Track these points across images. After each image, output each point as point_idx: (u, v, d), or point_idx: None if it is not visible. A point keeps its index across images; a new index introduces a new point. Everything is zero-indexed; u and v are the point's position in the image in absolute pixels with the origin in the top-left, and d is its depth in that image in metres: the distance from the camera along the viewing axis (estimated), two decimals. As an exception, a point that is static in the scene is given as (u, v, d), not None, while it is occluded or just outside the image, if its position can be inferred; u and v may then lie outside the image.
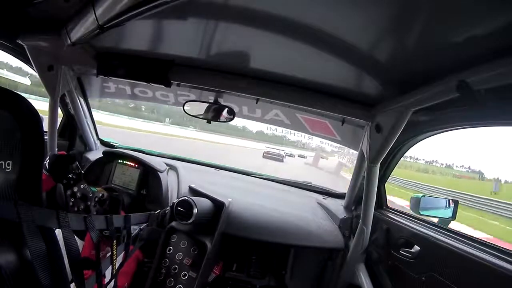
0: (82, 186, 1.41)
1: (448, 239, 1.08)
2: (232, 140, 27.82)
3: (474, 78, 0.74)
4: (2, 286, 0.54)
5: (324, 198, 1.87)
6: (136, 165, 1.68)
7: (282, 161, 18.79)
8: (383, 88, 1.14)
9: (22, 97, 0.62)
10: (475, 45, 0.70)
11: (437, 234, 1.14)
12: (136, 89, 1.89)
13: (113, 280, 1.07)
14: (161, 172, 1.67)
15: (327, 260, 1.61)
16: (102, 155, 1.76)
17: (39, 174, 0.66)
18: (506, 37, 0.64)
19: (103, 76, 1.43)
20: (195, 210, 1.29)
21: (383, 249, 1.40)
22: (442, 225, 1.23)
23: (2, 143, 0.57)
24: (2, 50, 1.41)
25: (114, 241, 1.05)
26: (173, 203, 1.34)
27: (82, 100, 1.80)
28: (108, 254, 1.06)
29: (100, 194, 1.39)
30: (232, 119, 1.70)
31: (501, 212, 11.30)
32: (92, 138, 1.98)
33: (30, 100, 0.62)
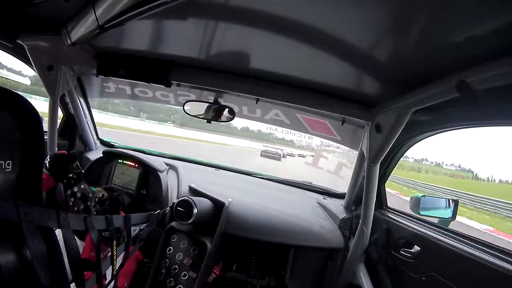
0: (82, 186, 1.41)
1: (448, 239, 1.08)
2: (216, 137, 23.19)
3: (474, 78, 0.74)
4: (2, 286, 0.54)
5: (324, 198, 1.87)
6: (136, 165, 1.68)
7: (279, 159, 18.80)
8: (383, 88, 1.14)
9: (22, 97, 0.62)
10: (475, 45, 0.70)
11: (437, 234, 1.14)
12: (136, 89, 1.89)
13: (114, 280, 1.07)
14: (161, 172, 1.67)
15: (327, 260, 1.61)
16: (102, 155, 1.76)
17: (39, 174, 0.66)
18: (506, 37, 0.64)
19: (103, 76, 1.43)
20: (195, 210, 1.29)
21: (383, 249, 1.40)
22: (442, 225, 1.23)
23: (2, 143, 0.57)
24: (2, 50, 1.41)
25: (114, 241, 1.05)
26: (173, 203, 1.34)
27: (82, 100, 1.80)
28: (109, 255, 1.06)
29: (100, 194, 1.38)
30: (232, 119, 1.71)
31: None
32: (92, 138, 1.99)
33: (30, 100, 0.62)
